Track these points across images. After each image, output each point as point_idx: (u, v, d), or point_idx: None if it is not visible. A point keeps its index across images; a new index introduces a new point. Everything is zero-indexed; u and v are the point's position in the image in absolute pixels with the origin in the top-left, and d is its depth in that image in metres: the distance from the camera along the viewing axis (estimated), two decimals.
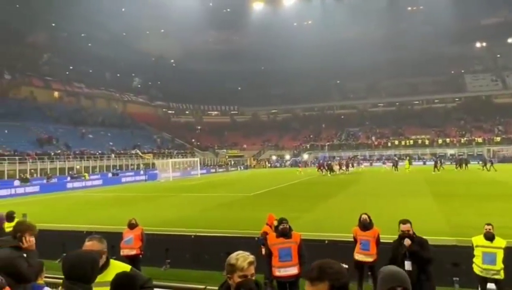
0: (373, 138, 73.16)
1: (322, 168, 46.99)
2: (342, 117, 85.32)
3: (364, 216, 7.65)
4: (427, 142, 68.15)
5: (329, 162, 51.43)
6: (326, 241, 9.49)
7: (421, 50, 73.16)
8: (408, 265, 5.71)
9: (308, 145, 75.03)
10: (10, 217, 9.27)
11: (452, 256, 7.96)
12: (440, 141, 67.82)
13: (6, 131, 44.44)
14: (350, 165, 50.71)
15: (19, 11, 58.22)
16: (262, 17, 73.44)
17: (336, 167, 46.81)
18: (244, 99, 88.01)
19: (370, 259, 7.42)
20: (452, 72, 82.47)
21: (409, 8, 74.25)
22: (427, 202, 19.37)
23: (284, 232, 6.65)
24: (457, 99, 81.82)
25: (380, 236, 7.59)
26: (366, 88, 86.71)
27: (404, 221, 6.11)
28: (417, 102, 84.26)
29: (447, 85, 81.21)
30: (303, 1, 72.60)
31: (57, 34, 64.21)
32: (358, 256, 7.53)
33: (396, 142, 69.81)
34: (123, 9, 62.68)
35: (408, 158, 54.69)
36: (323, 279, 1.96)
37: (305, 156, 69.11)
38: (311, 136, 78.67)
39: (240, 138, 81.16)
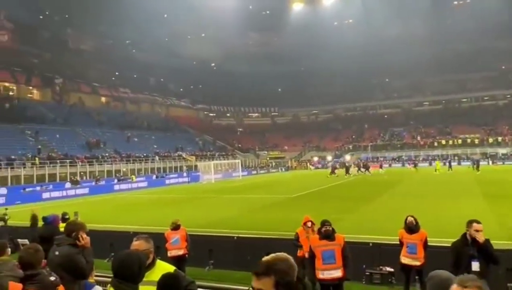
0: (419, 138, 70.87)
1: (335, 170, 46.72)
2: (386, 116, 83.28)
3: (410, 219, 7.40)
4: (476, 141, 65.20)
5: (348, 164, 50.99)
6: (370, 244, 9.29)
7: (468, 45, 70.17)
8: (475, 265, 5.42)
9: (350, 146, 73.79)
10: (64, 218, 9.74)
11: (507, 261, 7.54)
12: (491, 140, 64.68)
13: (57, 135, 46.65)
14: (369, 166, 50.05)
15: (69, 20, 61.25)
16: (301, 17, 73.06)
17: (353, 169, 47.05)
18: (285, 100, 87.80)
19: (417, 263, 7.18)
20: (503, 67, 78.45)
21: (455, 3, 71.53)
22: (476, 203, 18.52)
23: (327, 234, 6.56)
24: (508, 96, 77.73)
25: (428, 239, 7.33)
26: (410, 86, 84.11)
27: (478, 221, 5.78)
28: (465, 99, 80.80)
29: (497, 81, 77.29)
30: (343, 0, 71.58)
31: (104, 42, 66.88)
32: (405, 260, 7.30)
33: (443, 142, 67.24)
34: (165, 15, 64.35)
35: (438, 159, 53.42)
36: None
37: (348, 157, 67.97)
38: (354, 136, 77.33)
39: (281, 139, 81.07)
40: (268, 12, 74.12)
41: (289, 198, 24.89)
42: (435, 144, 67.40)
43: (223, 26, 68.90)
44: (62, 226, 8.40)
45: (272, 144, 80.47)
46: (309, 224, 8.09)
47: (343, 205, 20.23)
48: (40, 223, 7.48)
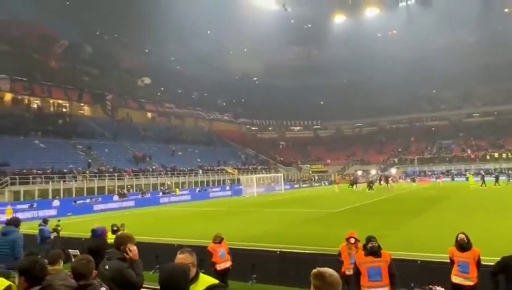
0: (469, 151, 67.85)
1: (355, 184, 46.81)
2: (433, 129, 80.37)
3: (462, 236, 7.06)
4: None
5: (371, 178, 50.52)
6: (419, 261, 8.94)
7: None
8: None
9: (396, 159, 71.76)
10: (113, 230, 10.07)
11: None
12: None
13: (106, 150, 48.57)
14: (391, 180, 49.86)
15: (117, 39, 64.20)
16: (343, 30, 72.77)
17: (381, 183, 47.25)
18: (327, 113, 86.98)
19: (470, 283, 6.81)
20: None
21: (506, 10, 68.68)
22: None
23: (373, 251, 6.39)
24: None
25: (481, 257, 6.96)
26: (459, 97, 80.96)
27: None
28: None
29: None
30: (387, 10, 70.65)
31: (150, 59, 69.41)
32: (456, 279, 6.95)
33: (496, 155, 63.94)
34: (208, 32, 66.06)
35: (470, 173, 51.95)
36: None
37: (393, 171, 66.13)
38: (399, 149, 75.19)
39: (324, 152, 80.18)
40: (309, 25, 74.29)
41: (333, 213, 24.47)
42: (487, 157, 64.23)
43: (265, 41, 69.76)
44: (111, 237, 8.71)
45: (315, 158, 79.73)
46: (352, 240, 7.90)
47: (388, 221, 19.64)
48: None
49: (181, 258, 3.58)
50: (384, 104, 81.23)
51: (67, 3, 56.04)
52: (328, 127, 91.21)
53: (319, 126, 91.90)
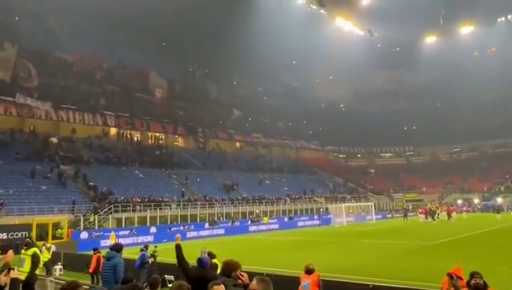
0: None
1: (428, 215, 45.30)
2: None
3: None
4: None
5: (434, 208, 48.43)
6: None
7: None
8: None
9: (502, 187, 65.16)
10: (210, 255, 10.62)
11: None
12: None
13: (198, 179, 50.81)
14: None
15: (208, 74, 68.14)
16: (435, 51, 69.45)
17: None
18: (421, 139, 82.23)
19: None
20: None
21: None
22: None
23: (478, 288, 5.76)
24: None
25: None
26: None
27: None
28: None
29: None
30: (483, 27, 66.11)
31: (238, 91, 72.30)
32: None
33: None
34: (294, 62, 67.21)
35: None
36: None
37: (499, 200, 60.10)
38: (507, 176, 68.12)
39: (418, 180, 75.51)
40: (397, 48, 72.15)
41: (431, 245, 22.76)
42: None
43: (351, 67, 69.03)
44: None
45: (408, 186, 75.43)
46: (454, 277, 7.20)
47: (495, 255, 17.72)
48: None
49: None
50: (486, 127, 74.84)
51: (163, 44, 61.13)
52: (422, 153, 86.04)
53: (411, 152, 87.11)
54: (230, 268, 4.37)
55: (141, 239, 29.84)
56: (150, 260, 14.14)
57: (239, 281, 4.15)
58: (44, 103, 48.82)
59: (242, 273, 4.22)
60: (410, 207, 59.74)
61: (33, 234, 25.43)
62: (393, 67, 78.09)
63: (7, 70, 48.34)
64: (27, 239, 13.15)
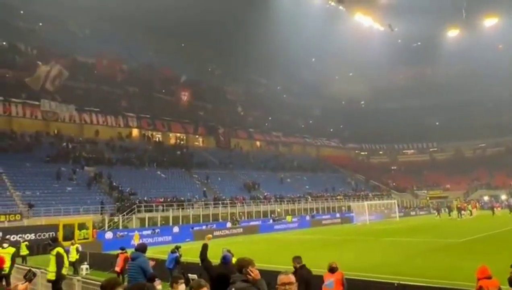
0: None
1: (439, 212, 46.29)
2: None
3: None
4: None
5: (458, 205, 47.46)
6: None
7: None
8: None
9: None
10: (230, 253, 10.58)
11: None
12: None
13: (219, 178, 51.04)
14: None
15: (226, 74, 68.36)
16: (458, 44, 67.89)
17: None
18: (444, 134, 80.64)
19: None
20: None
21: None
22: None
23: None
24: None
25: None
26: None
27: None
28: None
29: None
30: (508, 19, 64.23)
31: (257, 90, 72.23)
32: None
33: None
34: (313, 59, 66.77)
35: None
36: None
37: None
38: None
39: (442, 177, 74.07)
40: (419, 43, 70.87)
41: (457, 243, 22.28)
42: None
43: (371, 64, 68.16)
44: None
45: (432, 183, 74.07)
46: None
47: None
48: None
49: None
50: (508, 121, 72.85)
51: (183, 45, 61.61)
52: (445, 149, 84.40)
53: (435, 149, 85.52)
54: (242, 264, 4.56)
55: (162, 239, 30.22)
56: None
57: (249, 276, 4.32)
58: (68, 106, 49.90)
59: (252, 269, 4.39)
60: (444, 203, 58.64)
61: (60, 234, 25.98)
62: (414, 63, 76.74)
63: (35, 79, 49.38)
64: (53, 235, 13.33)
